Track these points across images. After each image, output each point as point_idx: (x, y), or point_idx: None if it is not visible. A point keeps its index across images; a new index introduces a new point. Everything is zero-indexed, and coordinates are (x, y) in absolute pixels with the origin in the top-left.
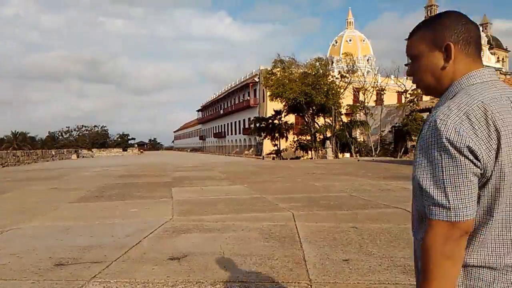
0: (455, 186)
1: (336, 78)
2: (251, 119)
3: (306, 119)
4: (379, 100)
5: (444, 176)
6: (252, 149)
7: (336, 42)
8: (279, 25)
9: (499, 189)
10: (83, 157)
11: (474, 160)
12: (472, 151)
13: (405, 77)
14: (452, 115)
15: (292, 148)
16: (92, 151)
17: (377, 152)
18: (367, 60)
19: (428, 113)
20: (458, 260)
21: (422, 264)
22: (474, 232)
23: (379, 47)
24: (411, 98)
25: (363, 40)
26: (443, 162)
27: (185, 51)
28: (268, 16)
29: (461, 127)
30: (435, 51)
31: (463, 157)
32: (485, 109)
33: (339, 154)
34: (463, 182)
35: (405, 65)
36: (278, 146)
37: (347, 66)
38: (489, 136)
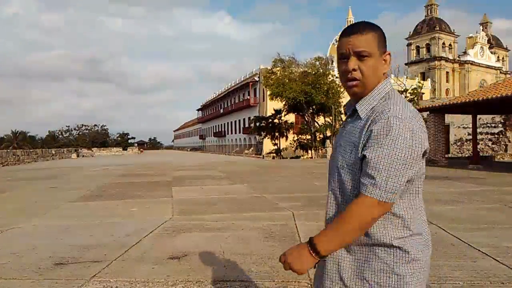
0: (399, 174)
1: (336, 78)
2: (251, 119)
3: (306, 119)
4: None
5: (394, 164)
6: (252, 148)
7: (336, 41)
8: (279, 25)
9: (422, 175)
10: (83, 156)
11: (423, 153)
12: (423, 145)
13: (405, 77)
14: (405, 114)
15: (292, 147)
16: (92, 150)
17: None
18: None
19: (428, 112)
20: (363, 232)
21: (341, 220)
22: (406, 210)
23: None
24: (411, 97)
25: None
26: (397, 152)
27: (185, 50)
28: (267, 16)
29: (415, 124)
30: (381, 55)
31: (416, 150)
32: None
33: None
34: (407, 172)
35: (406, 64)
36: (278, 145)
37: None
38: (425, 133)
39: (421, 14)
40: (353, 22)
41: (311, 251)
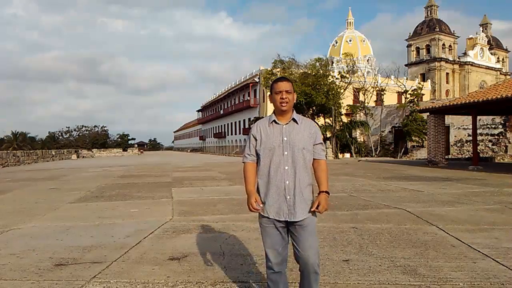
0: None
1: (336, 79)
2: (251, 119)
3: None
4: (379, 101)
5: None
6: None
7: (336, 43)
8: (279, 26)
9: None
10: (83, 157)
11: None
12: None
13: (405, 78)
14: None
15: None
16: (92, 151)
17: (377, 153)
18: (367, 60)
19: (428, 113)
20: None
21: (324, 172)
22: None
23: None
24: (411, 98)
25: (363, 41)
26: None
27: (184, 52)
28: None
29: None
30: (293, 93)
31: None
32: None
33: (339, 154)
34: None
35: (405, 65)
36: None
37: (347, 66)
38: None
39: (419, 16)
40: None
41: (327, 196)
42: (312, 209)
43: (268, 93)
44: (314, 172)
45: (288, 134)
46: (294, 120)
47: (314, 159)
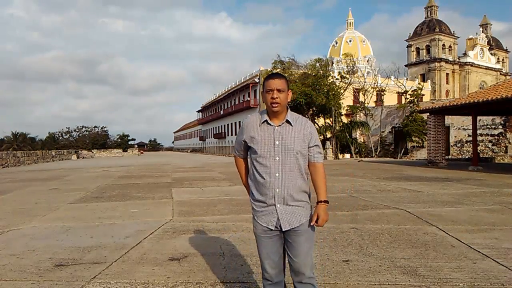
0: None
1: (337, 79)
2: None
3: None
4: (379, 101)
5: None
6: None
7: (337, 43)
8: (279, 26)
9: None
10: (83, 157)
11: None
12: None
13: (405, 78)
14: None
15: None
16: (92, 152)
17: (377, 153)
18: (367, 60)
19: (428, 114)
20: None
21: (322, 180)
22: None
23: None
24: (411, 98)
25: (363, 41)
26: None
27: (184, 52)
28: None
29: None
30: (288, 91)
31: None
32: None
33: (339, 154)
34: None
35: (405, 65)
36: None
37: (347, 66)
38: None
39: (415, 16)
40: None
41: (326, 205)
42: (311, 223)
43: None
44: (311, 176)
45: (280, 137)
46: (288, 121)
47: (309, 162)
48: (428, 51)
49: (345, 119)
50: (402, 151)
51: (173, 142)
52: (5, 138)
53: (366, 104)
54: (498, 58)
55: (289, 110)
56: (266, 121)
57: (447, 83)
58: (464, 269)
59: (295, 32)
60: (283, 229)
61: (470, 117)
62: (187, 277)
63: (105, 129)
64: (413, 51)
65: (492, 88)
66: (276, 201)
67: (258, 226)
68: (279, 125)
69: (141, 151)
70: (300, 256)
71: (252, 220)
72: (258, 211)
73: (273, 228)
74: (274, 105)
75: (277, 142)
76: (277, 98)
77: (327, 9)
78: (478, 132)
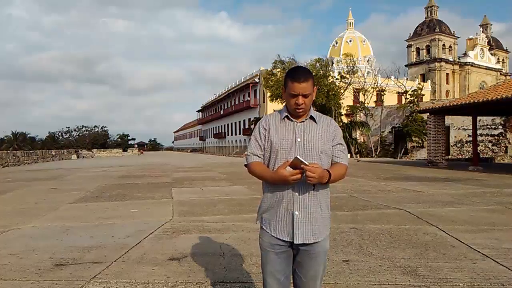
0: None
1: (337, 79)
2: (251, 120)
3: None
4: (379, 101)
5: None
6: None
7: (337, 43)
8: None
9: None
10: (83, 157)
11: None
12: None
13: (405, 78)
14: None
15: None
16: (92, 152)
17: (377, 153)
18: (367, 61)
19: (428, 114)
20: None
21: (342, 171)
22: None
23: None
24: (411, 99)
25: (364, 41)
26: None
27: (183, 52)
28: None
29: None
30: (313, 93)
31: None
32: None
33: None
34: None
35: (406, 65)
36: None
37: (347, 67)
38: None
39: (413, 17)
40: (300, 69)
41: (329, 175)
42: (304, 165)
43: (269, 93)
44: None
45: (302, 134)
46: (312, 118)
47: (332, 162)
48: (428, 51)
49: (345, 119)
50: (402, 151)
51: (173, 142)
52: (5, 138)
53: (366, 104)
54: (498, 58)
55: (312, 108)
56: (287, 116)
57: (447, 83)
58: (464, 269)
59: (294, 32)
60: (295, 242)
61: (470, 117)
62: (187, 277)
63: (105, 128)
64: (413, 51)
65: (492, 88)
66: (294, 207)
67: (266, 236)
68: (302, 121)
69: (141, 151)
70: (311, 276)
71: (260, 230)
72: (269, 219)
73: (285, 239)
74: (298, 110)
75: (298, 139)
76: (302, 104)
77: (325, 9)
78: (478, 132)
